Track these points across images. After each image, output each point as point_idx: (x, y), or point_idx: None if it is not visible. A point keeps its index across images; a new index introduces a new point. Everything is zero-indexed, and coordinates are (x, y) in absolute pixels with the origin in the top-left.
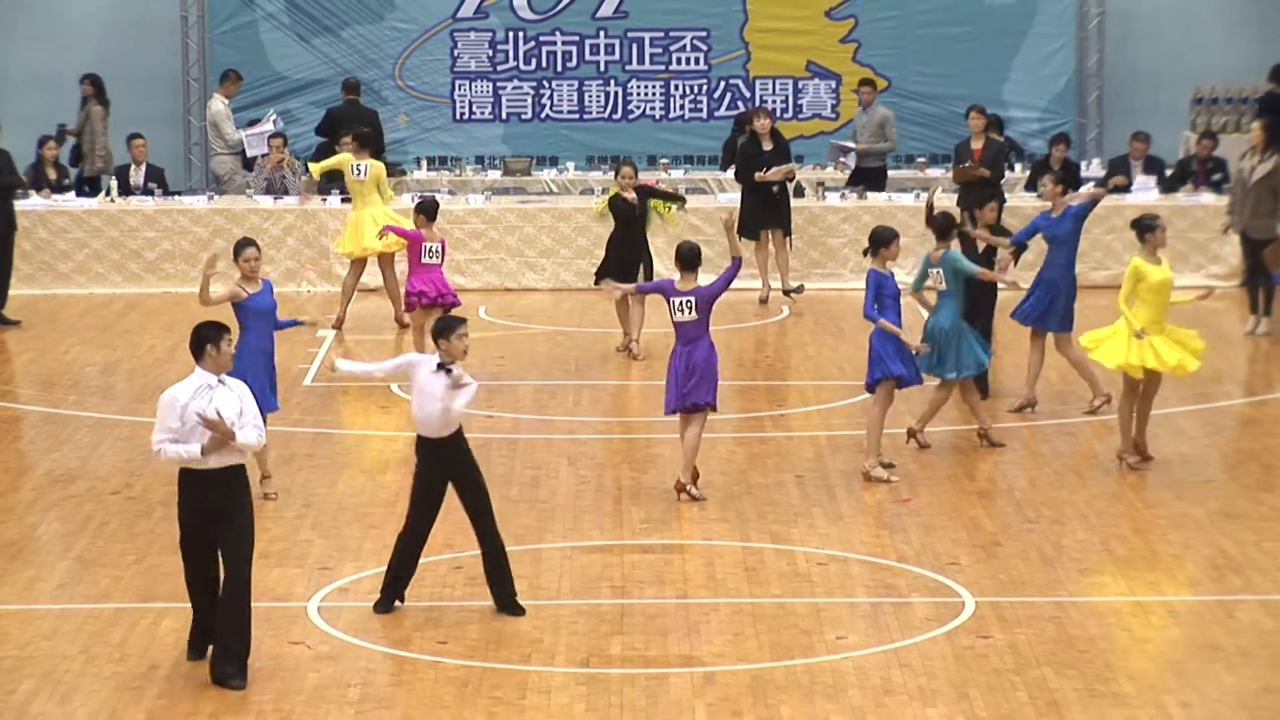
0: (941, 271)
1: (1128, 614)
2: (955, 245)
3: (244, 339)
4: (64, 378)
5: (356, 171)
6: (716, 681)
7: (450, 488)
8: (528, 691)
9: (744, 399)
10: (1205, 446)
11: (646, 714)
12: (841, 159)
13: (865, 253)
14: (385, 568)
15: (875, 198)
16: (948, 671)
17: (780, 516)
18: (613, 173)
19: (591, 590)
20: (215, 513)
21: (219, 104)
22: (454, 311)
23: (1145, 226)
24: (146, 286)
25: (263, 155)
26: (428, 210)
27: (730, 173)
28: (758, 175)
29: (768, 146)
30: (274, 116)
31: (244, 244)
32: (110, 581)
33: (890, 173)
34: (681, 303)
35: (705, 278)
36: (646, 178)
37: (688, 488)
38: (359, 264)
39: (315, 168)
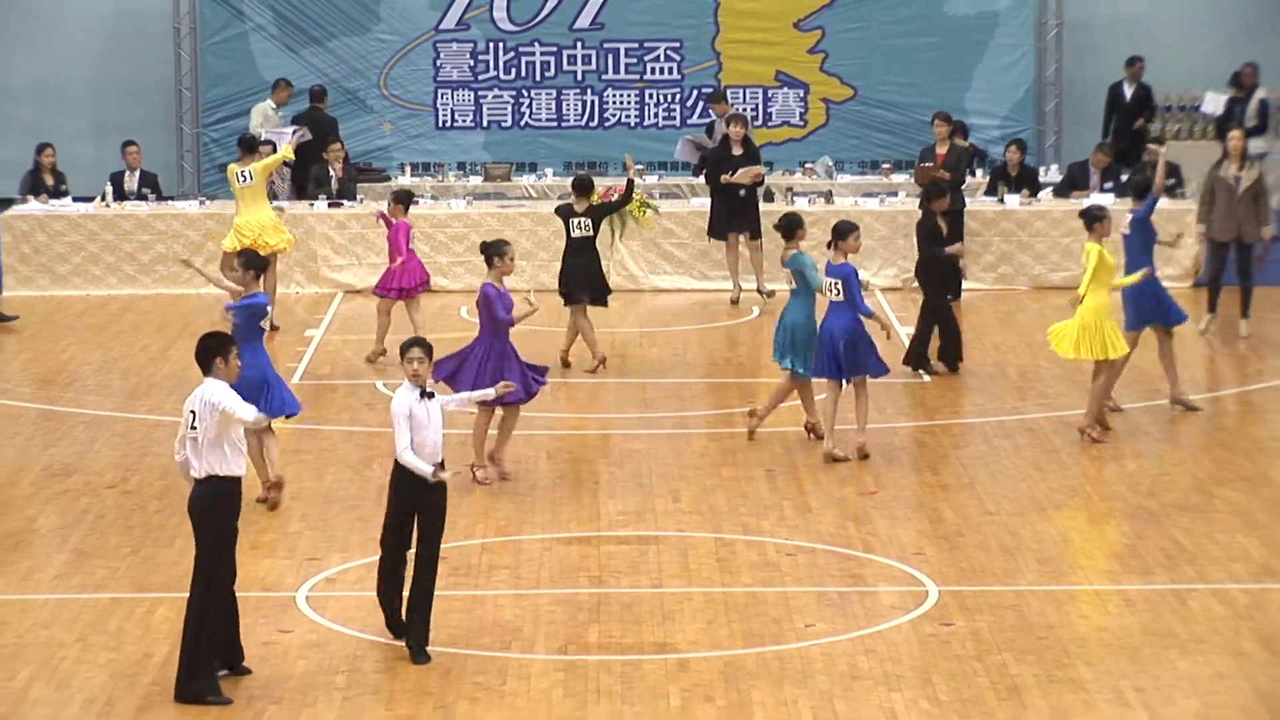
0: (790, 271)
1: (1085, 602)
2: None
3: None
4: (61, 376)
5: (242, 179)
6: (690, 668)
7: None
8: (508, 678)
9: (716, 396)
10: (1159, 441)
11: (622, 699)
12: (696, 159)
13: (829, 245)
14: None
15: (842, 202)
16: (912, 658)
17: (751, 509)
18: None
19: (569, 580)
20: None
21: (263, 104)
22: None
23: (1094, 216)
24: (141, 288)
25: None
26: (404, 200)
27: (699, 178)
28: (724, 178)
29: (737, 151)
30: (297, 130)
31: (238, 255)
32: (106, 572)
33: (856, 179)
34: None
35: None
36: (619, 185)
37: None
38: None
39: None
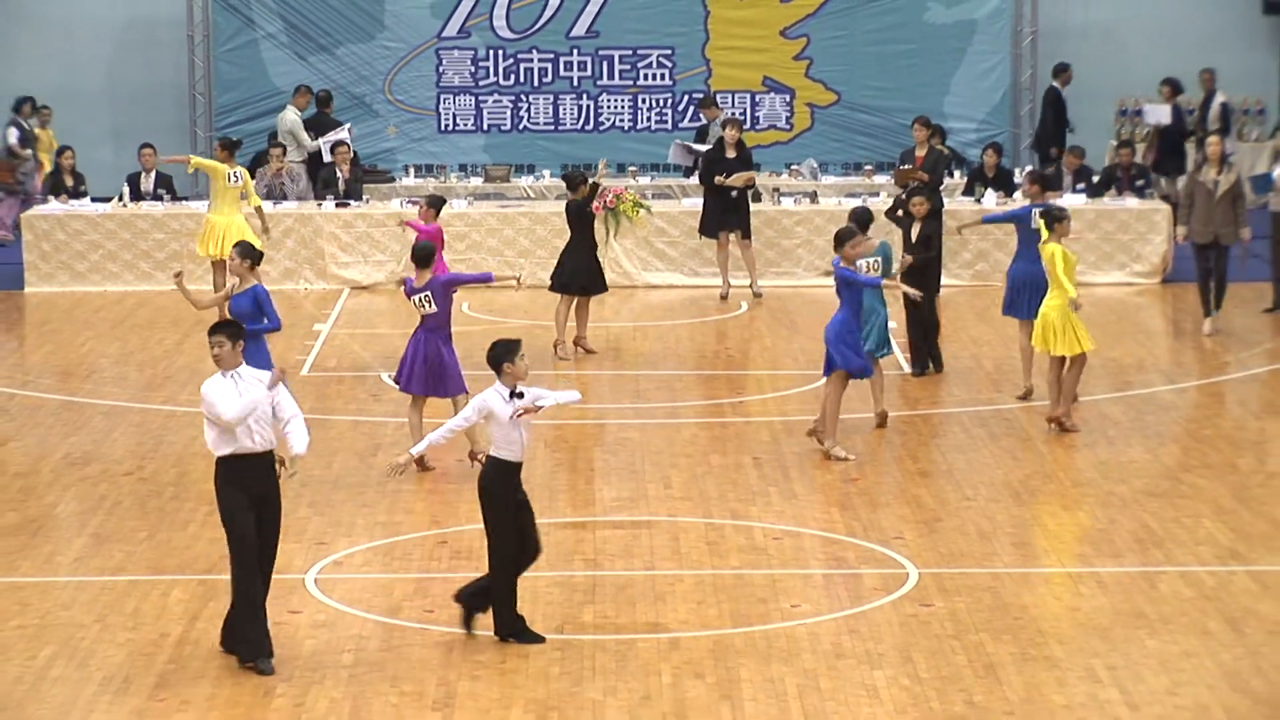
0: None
1: (1058, 584)
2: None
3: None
4: (80, 368)
5: (233, 179)
6: (681, 646)
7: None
8: (507, 656)
9: (706, 387)
10: (1129, 430)
11: (616, 676)
12: (689, 161)
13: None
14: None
15: (826, 202)
16: (893, 637)
17: (739, 495)
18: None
19: (566, 563)
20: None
21: (293, 114)
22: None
23: (1055, 217)
24: (156, 284)
25: (330, 159)
26: (437, 204)
27: (695, 178)
28: (718, 179)
29: (731, 154)
30: (348, 125)
31: (234, 246)
32: (123, 556)
33: (840, 180)
34: (420, 298)
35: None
36: (615, 185)
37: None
38: (223, 265)
39: (195, 160)
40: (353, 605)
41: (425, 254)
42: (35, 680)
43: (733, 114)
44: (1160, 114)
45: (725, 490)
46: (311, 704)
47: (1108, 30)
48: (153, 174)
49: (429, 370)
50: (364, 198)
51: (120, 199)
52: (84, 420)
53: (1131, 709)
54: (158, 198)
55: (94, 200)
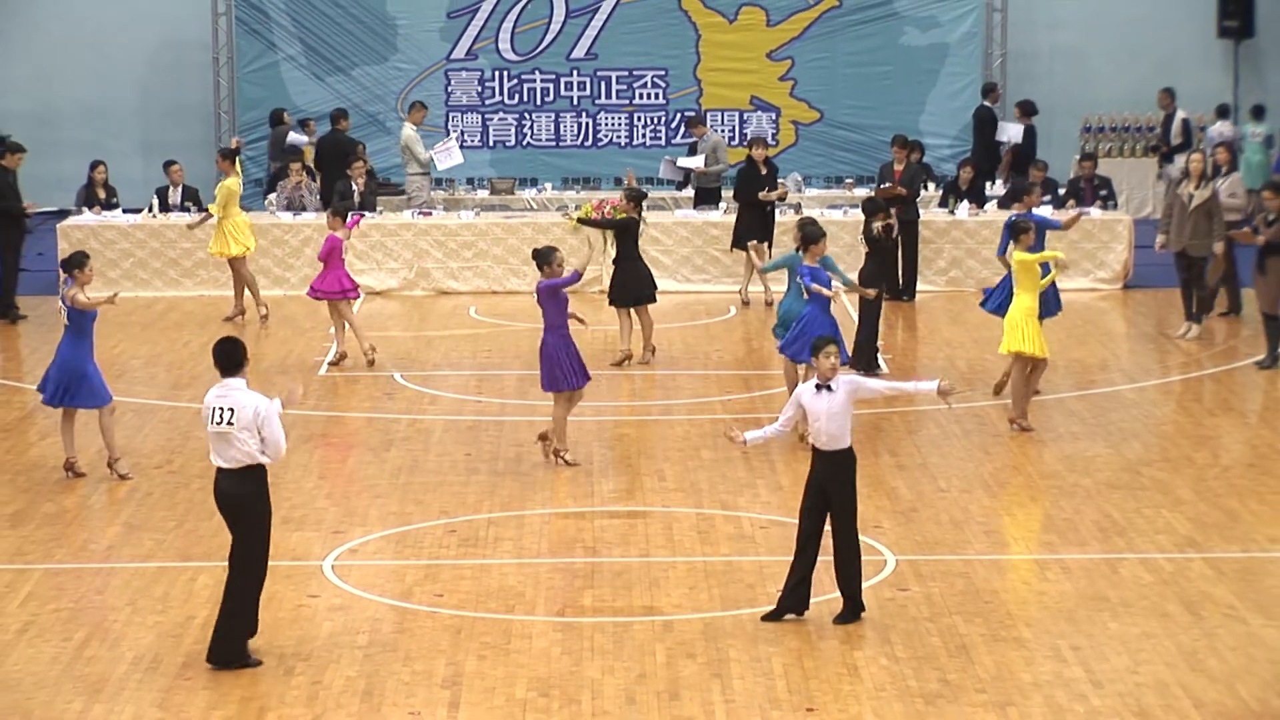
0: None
1: (1026, 570)
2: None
3: (82, 340)
4: (112, 368)
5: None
6: (674, 629)
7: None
8: (512, 638)
9: (698, 385)
10: (1093, 426)
11: (614, 656)
12: (679, 177)
13: (797, 249)
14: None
15: (809, 214)
16: (872, 620)
17: (729, 487)
18: (586, 192)
19: (567, 550)
20: None
21: (410, 130)
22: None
23: (1020, 229)
24: (184, 290)
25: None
26: (341, 213)
27: (683, 191)
28: (761, 195)
29: (764, 171)
30: (454, 135)
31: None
32: (153, 543)
33: (823, 192)
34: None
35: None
36: (612, 197)
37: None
38: (240, 261)
39: (223, 194)
40: (367, 590)
41: (541, 256)
42: (70, 660)
43: (716, 130)
44: (1013, 133)
45: (716, 482)
46: (329, 682)
47: (1073, 52)
48: (180, 188)
49: (547, 366)
50: (378, 209)
51: (150, 210)
52: (116, 417)
53: (1095, 686)
54: (184, 209)
55: (125, 211)
